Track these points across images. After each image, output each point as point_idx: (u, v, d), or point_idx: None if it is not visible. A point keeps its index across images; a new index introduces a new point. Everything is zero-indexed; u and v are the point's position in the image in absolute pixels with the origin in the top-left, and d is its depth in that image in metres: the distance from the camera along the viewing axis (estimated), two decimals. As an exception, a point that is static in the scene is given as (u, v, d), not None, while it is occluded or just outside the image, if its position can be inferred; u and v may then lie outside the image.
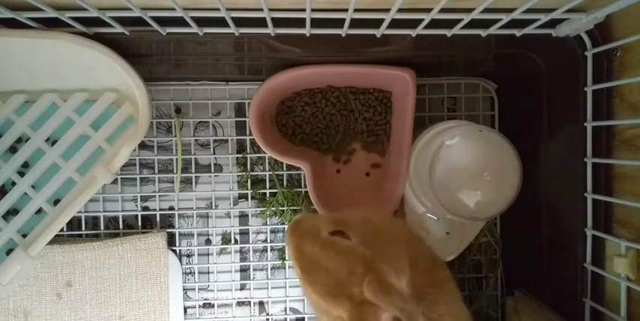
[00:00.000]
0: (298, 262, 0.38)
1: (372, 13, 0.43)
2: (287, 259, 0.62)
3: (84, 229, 0.58)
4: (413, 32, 0.46)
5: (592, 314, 0.48)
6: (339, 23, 0.44)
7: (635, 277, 0.43)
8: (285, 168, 0.60)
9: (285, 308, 0.63)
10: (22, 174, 0.48)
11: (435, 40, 0.48)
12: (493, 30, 0.45)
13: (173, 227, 0.60)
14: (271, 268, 0.62)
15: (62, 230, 0.55)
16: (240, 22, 0.44)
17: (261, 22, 0.43)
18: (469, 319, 0.41)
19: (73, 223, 0.59)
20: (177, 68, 0.54)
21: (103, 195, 0.59)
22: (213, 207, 0.61)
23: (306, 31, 0.45)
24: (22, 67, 0.48)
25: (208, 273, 0.62)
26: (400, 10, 0.39)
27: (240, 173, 0.61)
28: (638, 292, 0.43)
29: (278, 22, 0.44)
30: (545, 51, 0.51)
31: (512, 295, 0.59)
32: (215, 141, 0.61)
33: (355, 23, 0.43)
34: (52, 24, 0.44)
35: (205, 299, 0.61)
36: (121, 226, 0.59)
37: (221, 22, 0.43)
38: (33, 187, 0.48)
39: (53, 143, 0.49)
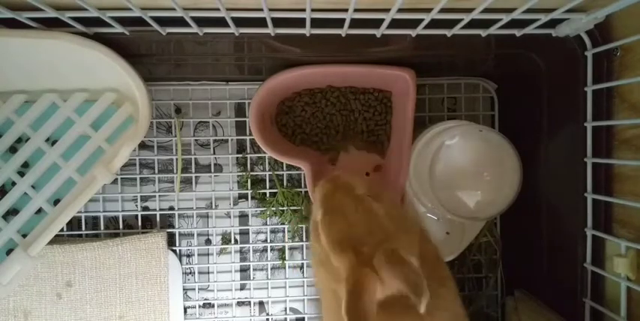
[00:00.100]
0: (324, 204, 0.40)
1: (372, 13, 0.43)
2: (287, 259, 0.62)
3: (84, 229, 0.58)
4: (413, 32, 0.46)
5: (592, 314, 0.48)
6: (339, 23, 0.44)
7: (635, 277, 0.43)
8: (285, 168, 0.60)
9: (285, 308, 0.63)
10: (22, 174, 0.48)
11: (435, 40, 0.48)
12: (493, 30, 0.45)
13: (173, 227, 0.60)
14: (271, 268, 0.62)
15: (62, 230, 0.55)
16: (240, 22, 0.44)
17: (261, 22, 0.43)
18: (466, 318, 0.41)
19: (73, 223, 0.59)
20: (177, 68, 0.54)
21: (103, 195, 0.59)
22: (213, 207, 0.61)
23: (306, 31, 0.45)
24: (22, 67, 0.48)
25: (208, 273, 0.62)
26: (400, 10, 0.39)
27: (240, 173, 0.61)
28: (638, 292, 0.43)
29: (278, 22, 0.44)
30: (545, 51, 0.51)
31: (512, 295, 0.59)
32: (215, 141, 0.61)
33: (355, 23, 0.43)
34: (52, 24, 0.44)
35: (205, 299, 0.61)
36: (121, 226, 0.59)
37: (221, 22, 0.43)
38: (33, 187, 0.48)
39: (53, 143, 0.49)
